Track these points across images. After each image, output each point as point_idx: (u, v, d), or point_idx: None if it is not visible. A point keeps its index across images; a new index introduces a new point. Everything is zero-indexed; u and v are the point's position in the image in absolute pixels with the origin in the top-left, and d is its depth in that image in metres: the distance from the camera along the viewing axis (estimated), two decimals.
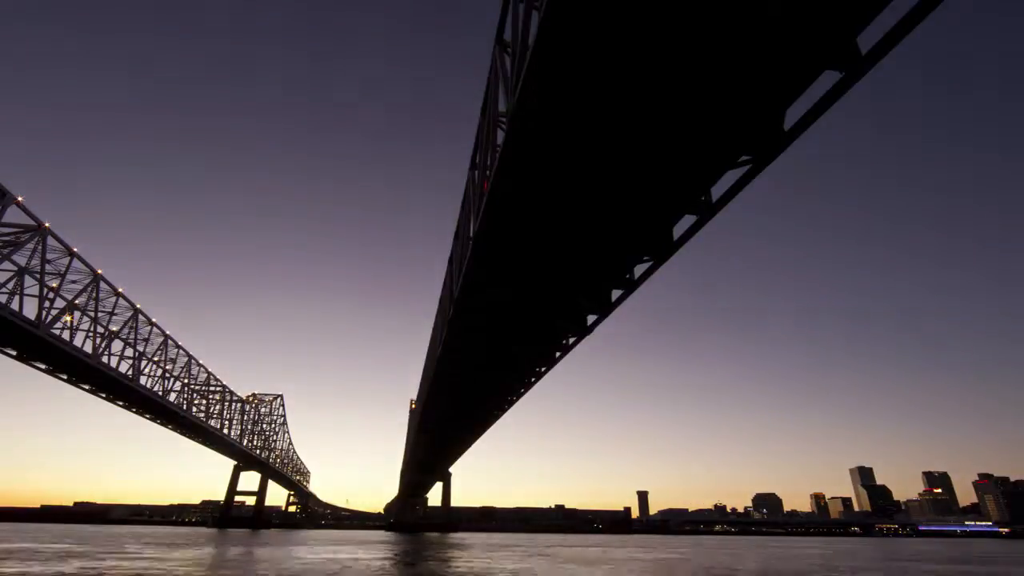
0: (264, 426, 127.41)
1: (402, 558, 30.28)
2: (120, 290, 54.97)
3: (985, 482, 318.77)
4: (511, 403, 42.12)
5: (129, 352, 60.07)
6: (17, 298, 41.44)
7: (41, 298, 43.30)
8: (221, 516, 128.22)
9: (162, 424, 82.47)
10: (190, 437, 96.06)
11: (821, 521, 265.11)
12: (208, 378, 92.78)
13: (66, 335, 47.29)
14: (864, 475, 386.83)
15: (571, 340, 27.61)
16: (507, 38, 14.44)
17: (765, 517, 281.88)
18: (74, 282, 48.35)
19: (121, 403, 67.81)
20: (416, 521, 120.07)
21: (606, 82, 11.46)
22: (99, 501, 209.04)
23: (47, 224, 43.19)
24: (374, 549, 40.08)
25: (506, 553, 37.11)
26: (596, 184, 14.99)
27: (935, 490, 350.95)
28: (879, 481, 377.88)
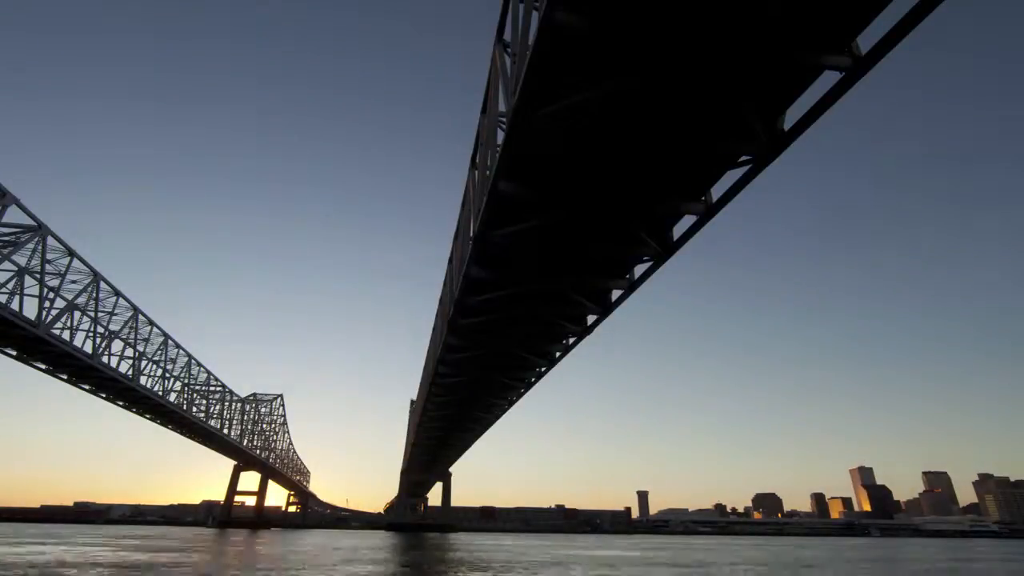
0: (264, 426, 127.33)
1: None
2: (120, 290, 54.95)
3: (985, 482, 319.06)
4: (512, 403, 42.08)
5: (129, 352, 60.03)
6: (17, 298, 41.44)
7: (41, 298, 43.22)
8: (222, 516, 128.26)
9: (162, 424, 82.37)
10: (190, 437, 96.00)
11: (821, 522, 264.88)
12: (208, 378, 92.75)
13: (66, 335, 47.27)
14: (864, 475, 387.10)
15: (571, 340, 27.60)
16: (507, 38, 14.44)
17: (765, 517, 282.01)
18: (74, 282, 48.25)
19: (121, 403, 67.67)
20: (416, 521, 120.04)
21: (606, 81, 11.46)
22: (99, 501, 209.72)
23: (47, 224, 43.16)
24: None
25: None
26: (596, 184, 15.02)
27: (935, 490, 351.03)
28: (879, 481, 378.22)
